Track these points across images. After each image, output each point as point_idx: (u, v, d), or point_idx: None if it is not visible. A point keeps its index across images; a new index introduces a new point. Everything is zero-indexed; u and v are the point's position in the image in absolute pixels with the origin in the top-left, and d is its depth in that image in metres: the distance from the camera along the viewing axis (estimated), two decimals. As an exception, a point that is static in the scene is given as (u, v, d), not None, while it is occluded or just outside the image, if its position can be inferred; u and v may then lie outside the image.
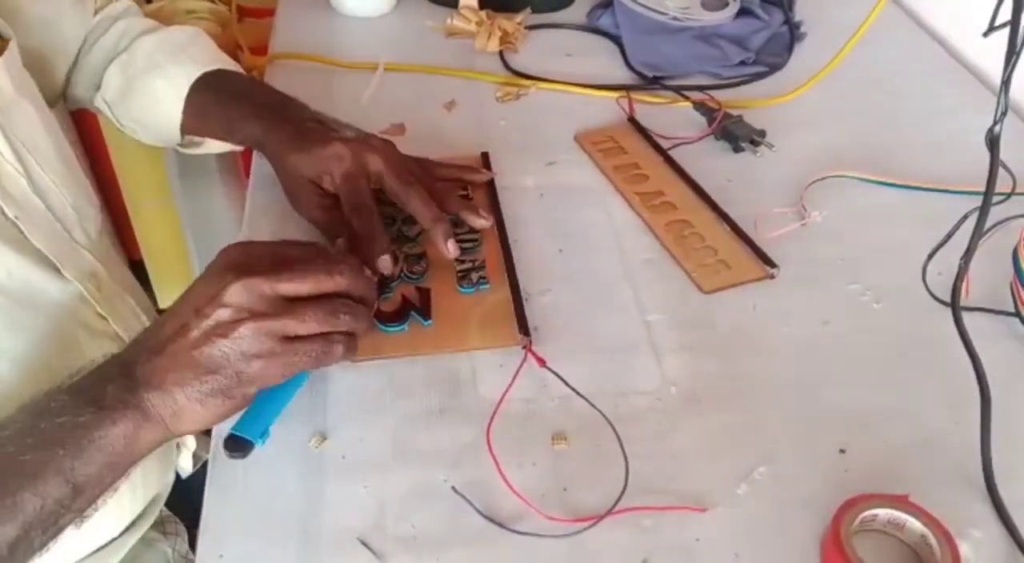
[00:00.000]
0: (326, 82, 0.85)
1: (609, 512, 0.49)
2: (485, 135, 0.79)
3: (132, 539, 0.63)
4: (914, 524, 0.47)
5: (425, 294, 0.60)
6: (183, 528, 0.74)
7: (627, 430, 0.53)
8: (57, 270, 0.55)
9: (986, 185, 0.45)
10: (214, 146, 0.74)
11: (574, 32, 0.97)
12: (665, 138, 0.78)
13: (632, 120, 0.81)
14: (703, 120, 0.80)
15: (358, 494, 0.50)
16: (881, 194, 0.74)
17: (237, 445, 0.47)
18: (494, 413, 0.53)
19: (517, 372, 0.56)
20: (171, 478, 0.68)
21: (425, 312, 0.59)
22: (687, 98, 0.84)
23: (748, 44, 0.92)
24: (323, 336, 0.48)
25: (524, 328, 0.58)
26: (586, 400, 0.54)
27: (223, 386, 0.46)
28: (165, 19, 1.23)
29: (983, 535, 0.49)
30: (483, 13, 0.92)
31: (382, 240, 0.60)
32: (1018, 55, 0.41)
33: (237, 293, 0.46)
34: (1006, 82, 0.42)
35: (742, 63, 0.90)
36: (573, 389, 0.54)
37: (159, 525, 0.71)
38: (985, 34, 0.44)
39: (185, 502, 0.71)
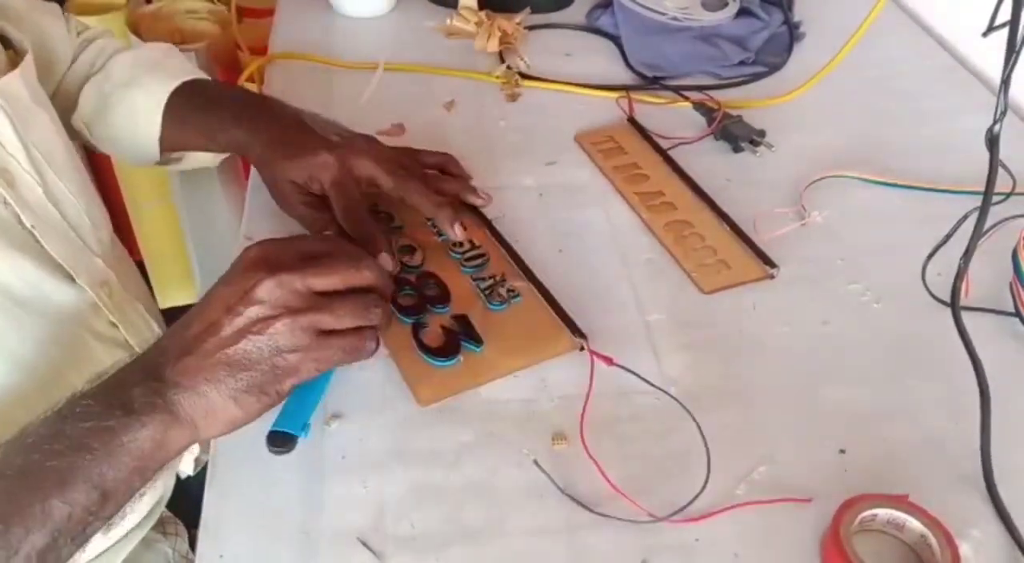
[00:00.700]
0: (326, 82, 0.85)
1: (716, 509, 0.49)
2: (485, 135, 0.79)
3: (134, 541, 0.63)
4: (914, 524, 0.47)
5: (464, 320, 0.59)
6: (183, 528, 0.74)
7: (626, 430, 0.53)
8: (71, 278, 0.55)
9: (986, 185, 0.45)
10: (193, 160, 0.73)
11: (574, 32, 0.97)
12: (665, 138, 0.78)
13: (632, 120, 0.81)
14: (703, 120, 0.80)
15: (358, 494, 0.50)
16: (881, 194, 0.74)
17: (279, 440, 0.48)
18: (583, 416, 0.53)
19: (592, 375, 0.55)
20: (173, 481, 0.69)
21: (475, 338, 0.57)
22: (687, 98, 0.84)
23: (748, 44, 0.92)
24: (356, 331, 0.48)
25: (576, 329, 0.58)
26: (665, 392, 0.54)
27: (258, 382, 0.46)
28: (165, 19, 1.24)
29: (983, 535, 0.49)
30: (482, 13, 0.92)
31: (379, 239, 0.59)
32: (1017, 55, 0.41)
33: (270, 289, 0.46)
34: (1005, 82, 0.42)
35: (742, 63, 0.90)
36: (647, 381, 0.54)
37: (159, 525, 0.71)
38: (984, 34, 0.44)
39: (185, 502, 0.71)
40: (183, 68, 0.72)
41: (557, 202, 0.72)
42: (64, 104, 0.71)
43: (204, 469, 0.52)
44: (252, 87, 0.85)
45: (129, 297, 0.61)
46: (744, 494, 0.50)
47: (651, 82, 0.87)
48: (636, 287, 0.64)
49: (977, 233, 0.47)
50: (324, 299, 0.47)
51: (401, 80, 0.86)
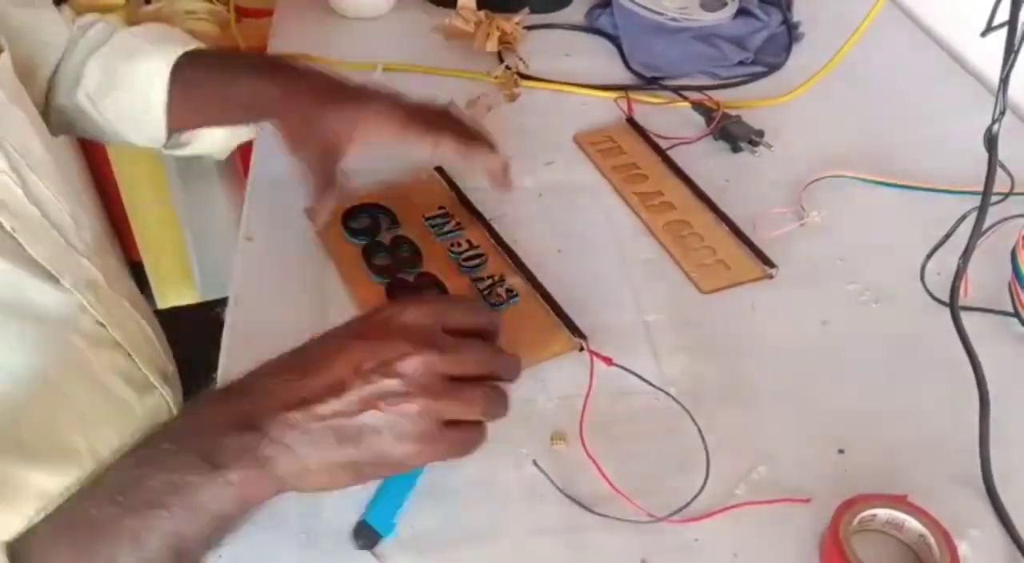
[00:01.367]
0: (325, 82, 0.85)
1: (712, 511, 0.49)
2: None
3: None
4: (913, 524, 0.47)
5: None
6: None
7: (626, 430, 0.53)
8: (56, 280, 0.54)
9: (984, 185, 0.45)
10: (201, 144, 0.72)
11: (573, 32, 0.97)
12: (664, 138, 0.78)
13: (631, 120, 0.81)
14: (702, 120, 0.80)
15: (358, 494, 0.50)
16: (880, 194, 0.74)
17: (365, 532, 0.46)
18: (583, 417, 0.52)
19: (592, 375, 0.54)
20: None
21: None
22: (686, 98, 0.84)
23: (746, 44, 0.92)
24: (476, 425, 0.45)
25: (575, 329, 0.58)
26: (666, 393, 0.54)
27: (361, 462, 0.42)
28: (164, 19, 1.24)
29: (982, 535, 0.49)
30: (481, 13, 0.92)
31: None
32: (1016, 55, 0.41)
33: (415, 367, 0.41)
34: (1004, 81, 0.42)
35: (740, 63, 0.90)
36: (646, 381, 0.54)
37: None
38: (983, 34, 0.44)
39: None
40: (187, 40, 0.71)
41: (556, 202, 0.72)
42: (70, 81, 0.70)
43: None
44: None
45: (116, 296, 0.61)
46: (743, 494, 0.51)
47: (650, 82, 0.87)
48: (635, 287, 0.64)
49: (976, 233, 0.47)
50: (459, 386, 0.43)
51: (400, 80, 0.86)
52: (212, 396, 0.43)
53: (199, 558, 0.42)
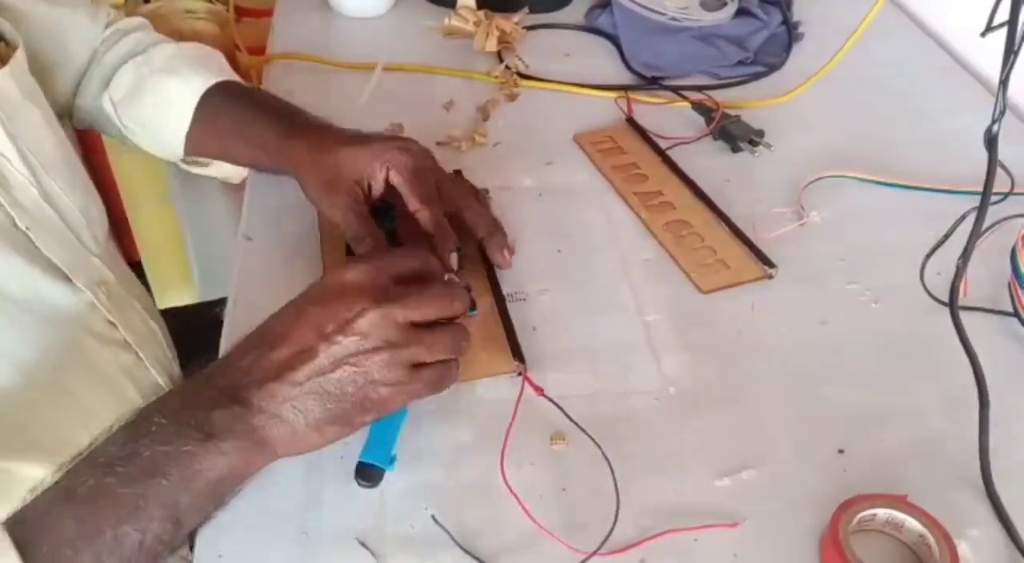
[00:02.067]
0: (324, 82, 0.85)
1: (606, 539, 0.49)
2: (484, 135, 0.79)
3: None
4: (913, 524, 0.47)
5: None
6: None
7: (625, 430, 0.53)
8: (67, 279, 0.54)
9: (984, 185, 0.45)
10: (219, 169, 0.73)
11: (572, 32, 0.97)
12: (663, 138, 0.78)
13: (630, 120, 0.81)
14: (701, 120, 0.80)
15: (357, 494, 0.50)
16: (879, 194, 0.74)
17: (367, 473, 0.47)
18: (504, 449, 0.51)
19: (518, 402, 0.54)
20: None
21: None
22: (685, 98, 0.84)
23: (746, 44, 0.92)
24: (443, 363, 0.48)
25: (518, 354, 0.57)
26: (583, 430, 0.52)
27: (345, 413, 0.45)
28: (164, 19, 1.24)
29: (981, 535, 0.49)
30: (481, 13, 0.92)
31: (452, 235, 0.58)
32: (1016, 55, 0.41)
33: (373, 322, 0.44)
34: (1004, 82, 0.42)
35: (740, 63, 0.90)
36: (569, 417, 0.53)
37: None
38: (983, 34, 0.44)
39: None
40: (224, 69, 0.71)
41: (556, 202, 0.72)
42: (98, 84, 0.70)
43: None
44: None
45: (127, 296, 0.61)
46: (743, 494, 0.50)
47: (650, 82, 0.87)
48: (635, 287, 0.64)
49: (975, 233, 0.47)
50: (419, 332, 0.46)
51: (400, 80, 0.86)
52: (196, 378, 0.45)
53: (196, 526, 0.44)
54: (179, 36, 1.22)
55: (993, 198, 0.46)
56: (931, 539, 0.46)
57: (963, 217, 0.60)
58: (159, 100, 0.68)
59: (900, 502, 0.47)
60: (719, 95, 0.84)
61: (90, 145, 1.30)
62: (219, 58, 0.73)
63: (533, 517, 0.48)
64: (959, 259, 0.48)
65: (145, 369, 0.59)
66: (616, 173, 0.74)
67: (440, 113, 0.82)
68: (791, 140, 0.79)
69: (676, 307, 0.62)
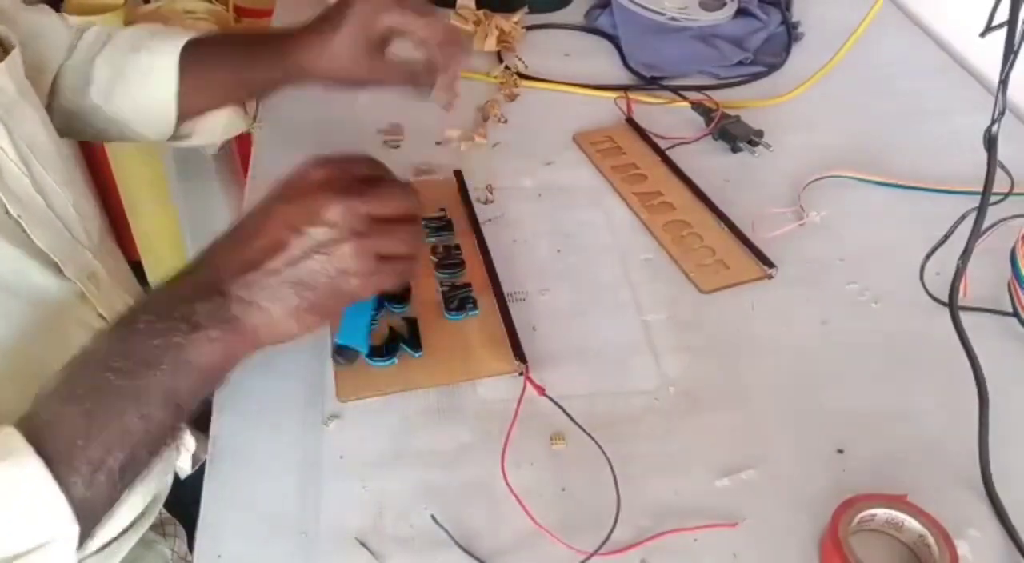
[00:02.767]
0: (324, 82, 0.85)
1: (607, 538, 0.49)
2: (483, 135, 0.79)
3: (132, 540, 0.63)
4: (912, 524, 0.47)
5: (412, 324, 0.59)
6: (182, 529, 0.74)
7: (625, 430, 0.53)
8: (58, 269, 0.55)
9: (984, 185, 0.45)
10: (203, 133, 0.73)
11: (572, 32, 0.97)
12: (663, 138, 0.78)
13: (630, 120, 0.81)
14: (701, 120, 0.80)
15: (356, 494, 0.50)
16: (879, 194, 0.74)
17: (344, 353, 0.51)
18: (504, 449, 0.51)
19: (519, 402, 0.54)
20: (170, 479, 0.68)
21: (415, 343, 0.57)
22: (685, 98, 0.84)
23: (746, 44, 0.92)
24: (408, 256, 0.51)
25: (520, 354, 0.57)
26: (583, 430, 0.53)
27: (320, 301, 0.47)
28: (163, 19, 1.24)
29: (981, 535, 0.49)
30: (480, 12, 0.92)
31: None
32: (1015, 55, 0.41)
33: (339, 213, 0.47)
34: (1003, 82, 0.42)
35: (740, 63, 0.90)
36: (569, 417, 0.53)
37: (158, 527, 0.71)
38: (982, 34, 0.44)
39: (183, 503, 0.70)
40: (187, 32, 0.72)
41: (556, 202, 0.72)
42: (78, 81, 0.70)
43: (202, 469, 0.52)
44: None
45: (119, 290, 0.61)
46: (743, 494, 0.50)
47: (649, 82, 0.87)
48: (634, 287, 0.64)
49: (975, 233, 0.47)
50: (385, 225, 0.49)
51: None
52: (172, 278, 0.47)
53: (192, 409, 0.46)
54: (179, 36, 1.23)
55: (993, 198, 0.46)
56: (931, 539, 0.46)
57: (963, 217, 0.60)
58: (141, 73, 0.69)
59: (900, 502, 0.47)
60: (719, 95, 0.84)
61: (90, 146, 1.30)
62: (177, 28, 0.75)
63: (533, 517, 0.48)
64: (959, 259, 0.48)
65: None
66: (616, 173, 0.74)
67: (440, 113, 0.82)
68: (791, 140, 0.79)
69: (676, 307, 0.62)
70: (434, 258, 0.64)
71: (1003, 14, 0.41)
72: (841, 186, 0.74)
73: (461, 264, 0.63)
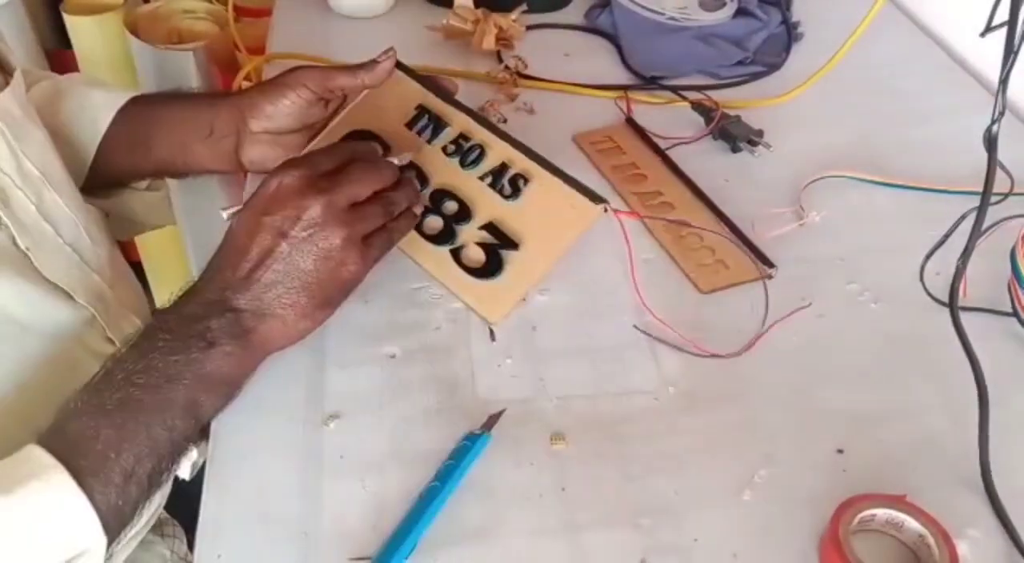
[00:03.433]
0: (324, 82, 0.85)
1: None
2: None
3: (132, 545, 0.63)
4: (912, 524, 0.47)
5: (493, 228, 0.61)
6: (180, 530, 0.74)
7: (625, 430, 0.53)
8: (69, 296, 0.55)
9: (984, 185, 0.45)
10: (121, 202, 0.72)
11: (572, 32, 0.97)
12: (663, 138, 0.78)
13: (630, 120, 0.81)
14: (701, 120, 0.80)
15: (357, 494, 0.50)
16: (879, 194, 0.74)
17: None
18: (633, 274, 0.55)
19: (626, 234, 0.58)
20: (170, 483, 0.68)
21: (510, 242, 0.60)
22: (685, 98, 0.84)
23: (746, 44, 0.92)
24: (384, 227, 0.54)
25: (595, 197, 0.59)
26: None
27: (327, 296, 0.51)
28: (163, 19, 1.24)
29: (981, 535, 0.49)
30: (479, 12, 0.92)
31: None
32: (1015, 55, 0.41)
33: (319, 213, 0.50)
34: (1004, 82, 0.42)
35: (740, 63, 0.90)
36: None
37: (156, 527, 0.71)
38: (982, 34, 0.44)
39: (182, 503, 0.70)
40: (134, 90, 0.71)
41: (555, 202, 0.71)
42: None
43: (202, 469, 0.52)
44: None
45: (124, 311, 0.61)
46: (742, 494, 0.50)
47: (649, 82, 0.87)
48: (634, 287, 0.64)
49: (975, 233, 0.47)
50: (359, 209, 0.52)
51: (399, 80, 0.86)
52: (183, 300, 0.50)
53: (212, 417, 0.50)
54: (178, 36, 1.23)
55: (993, 198, 0.46)
56: (931, 539, 0.46)
57: (963, 217, 0.60)
58: (77, 105, 0.67)
59: (900, 502, 0.47)
60: (719, 95, 0.84)
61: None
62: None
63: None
64: (959, 259, 0.48)
65: None
66: (616, 173, 0.74)
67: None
68: (791, 140, 0.79)
69: (675, 307, 0.62)
70: (452, 157, 0.64)
71: (1003, 14, 0.41)
72: (841, 186, 0.74)
73: (480, 148, 0.63)
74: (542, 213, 0.60)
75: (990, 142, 0.44)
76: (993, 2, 0.43)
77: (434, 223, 0.62)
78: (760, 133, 0.78)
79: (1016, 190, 0.69)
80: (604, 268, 0.65)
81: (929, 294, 0.62)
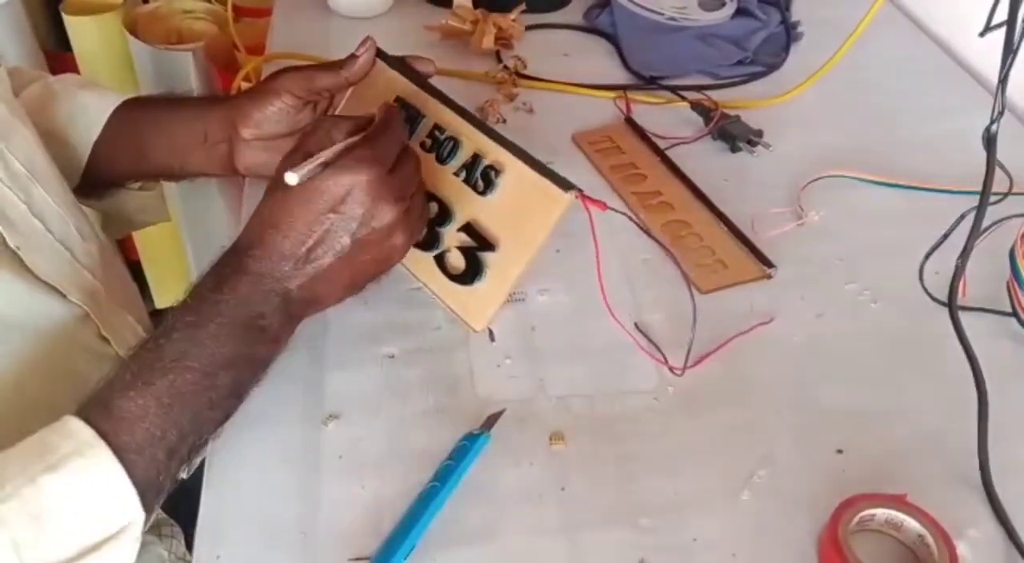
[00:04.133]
0: (323, 82, 0.85)
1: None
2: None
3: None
4: (912, 524, 0.47)
5: (470, 229, 0.59)
6: (178, 530, 0.74)
7: (624, 430, 0.53)
8: (61, 294, 0.54)
9: (983, 185, 0.45)
10: (115, 200, 0.71)
11: (571, 32, 0.97)
12: (662, 138, 0.78)
13: (629, 120, 0.81)
14: (700, 120, 0.80)
15: (356, 494, 0.50)
16: (878, 194, 0.74)
17: None
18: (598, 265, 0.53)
19: (592, 221, 0.56)
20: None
21: (487, 243, 0.58)
22: (684, 98, 0.84)
23: (745, 44, 0.92)
24: (416, 196, 0.55)
25: (564, 184, 0.56)
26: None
27: (371, 272, 0.54)
28: (162, 19, 1.24)
29: (980, 534, 0.49)
30: (478, 12, 0.92)
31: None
32: (1015, 55, 0.41)
33: (390, 220, 0.51)
34: (1003, 82, 0.42)
35: (739, 63, 0.90)
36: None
37: (154, 527, 0.71)
38: (982, 34, 0.44)
39: (181, 503, 0.70)
40: (124, 94, 0.70)
41: (555, 202, 0.71)
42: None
43: (200, 469, 0.52)
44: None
45: (117, 308, 0.61)
46: (742, 494, 0.50)
47: (648, 82, 0.87)
48: (634, 287, 0.64)
49: (974, 233, 0.47)
50: (392, 175, 0.52)
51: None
52: (220, 276, 0.50)
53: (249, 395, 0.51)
54: (177, 36, 1.23)
55: (992, 198, 0.46)
56: (930, 539, 0.46)
57: (962, 217, 0.60)
58: (69, 109, 0.66)
59: (899, 502, 0.47)
60: (718, 95, 0.84)
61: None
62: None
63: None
64: (958, 259, 0.48)
65: None
66: (615, 173, 0.74)
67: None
68: (790, 140, 0.79)
69: (675, 307, 0.62)
70: (429, 151, 0.61)
71: (1002, 14, 0.41)
72: (840, 186, 0.74)
73: (454, 140, 0.60)
74: (515, 208, 0.57)
75: (989, 142, 0.44)
76: (992, 2, 0.43)
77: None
78: (759, 133, 0.78)
79: (1015, 190, 0.69)
80: (604, 268, 0.65)
81: (928, 294, 0.62)
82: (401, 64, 0.64)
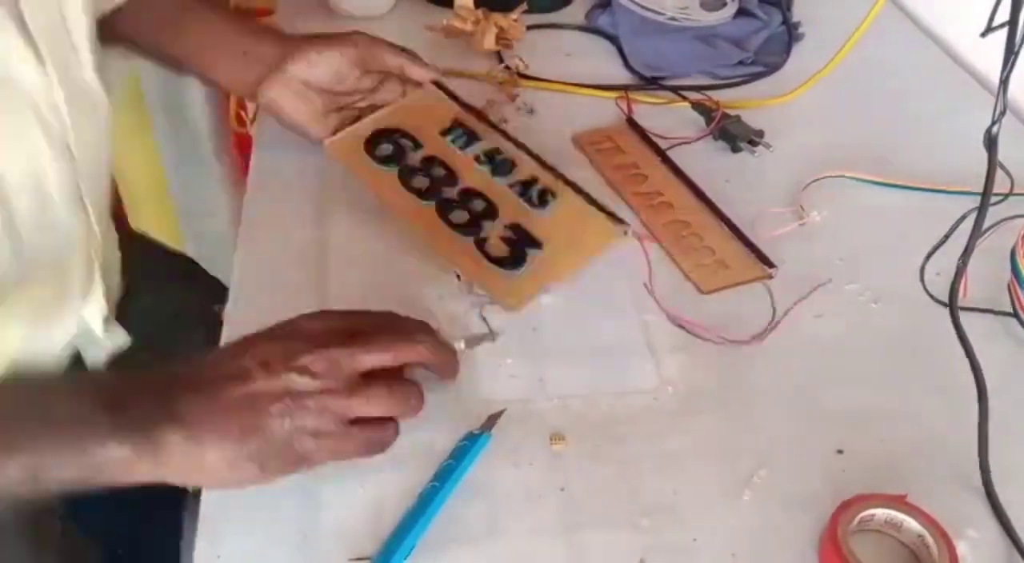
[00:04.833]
0: (324, 82, 0.85)
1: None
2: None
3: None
4: (912, 524, 0.47)
5: (518, 228, 0.62)
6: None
7: (624, 430, 0.53)
8: (39, 60, 0.50)
9: (984, 185, 0.45)
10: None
11: (572, 32, 0.97)
12: (663, 138, 0.78)
13: (630, 120, 0.81)
14: (701, 120, 0.80)
15: (356, 494, 0.50)
16: (879, 194, 0.74)
17: None
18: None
19: (647, 256, 0.60)
20: None
21: (535, 241, 0.61)
22: (685, 98, 0.84)
23: (746, 44, 0.92)
24: (380, 422, 0.46)
25: (616, 218, 0.62)
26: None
27: (265, 456, 0.43)
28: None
29: (980, 535, 0.49)
30: (479, 12, 0.92)
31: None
32: (1016, 55, 0.41)
33: (314, 362, 0.43)
34: (1004, 82, 0.42)
35: (740, 63, 0.90)
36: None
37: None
38: (983, 34, 0.44)
39: (181, 503, 0.70)
40: None
41: (555, 202, 0.71)
42: None
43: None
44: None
45: (85, 93, 0.57)
46: (742, 494, 0.50)
47: (650, 82, 0.87)
48: (634, 287, 0.64)
49: (975, 233, 0.47)
50: (363, 384, 0.45)
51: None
52: (154, 370, 0.45)
53: (53, 490, 0.42)
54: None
55: (993, 198, 0.46)
56: (930, 539, 0.46)
57: (963, 217, 0.60)
58: None
59: (899, 502, 0.47)
60: (719, 95, 0.84)
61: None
62: None
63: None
64: (959, 259, 0.48)
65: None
66: (616, 173, 0.74)
67: (440, 113, 0.82)
68: (791, 140, 0.79)
69: (675, 307, 0.62)
70: (484, 166, 0.66)
71: (1003, 14, 0.41)
72: (841, 186, 0.74)
73: (511, 161, 0.66)
74: (566, 225, 0.62)
75: (990, 142, 0.44)
76: (993, 2, 0.43)
77: (461, 215, 0.63)
78: (760, 133, 0.78)
79: (1016, 190, 0.69)
80: (604, 269, 0.65)
81: (929, 294, 0.62)
82: (463, 102, 0.71)
